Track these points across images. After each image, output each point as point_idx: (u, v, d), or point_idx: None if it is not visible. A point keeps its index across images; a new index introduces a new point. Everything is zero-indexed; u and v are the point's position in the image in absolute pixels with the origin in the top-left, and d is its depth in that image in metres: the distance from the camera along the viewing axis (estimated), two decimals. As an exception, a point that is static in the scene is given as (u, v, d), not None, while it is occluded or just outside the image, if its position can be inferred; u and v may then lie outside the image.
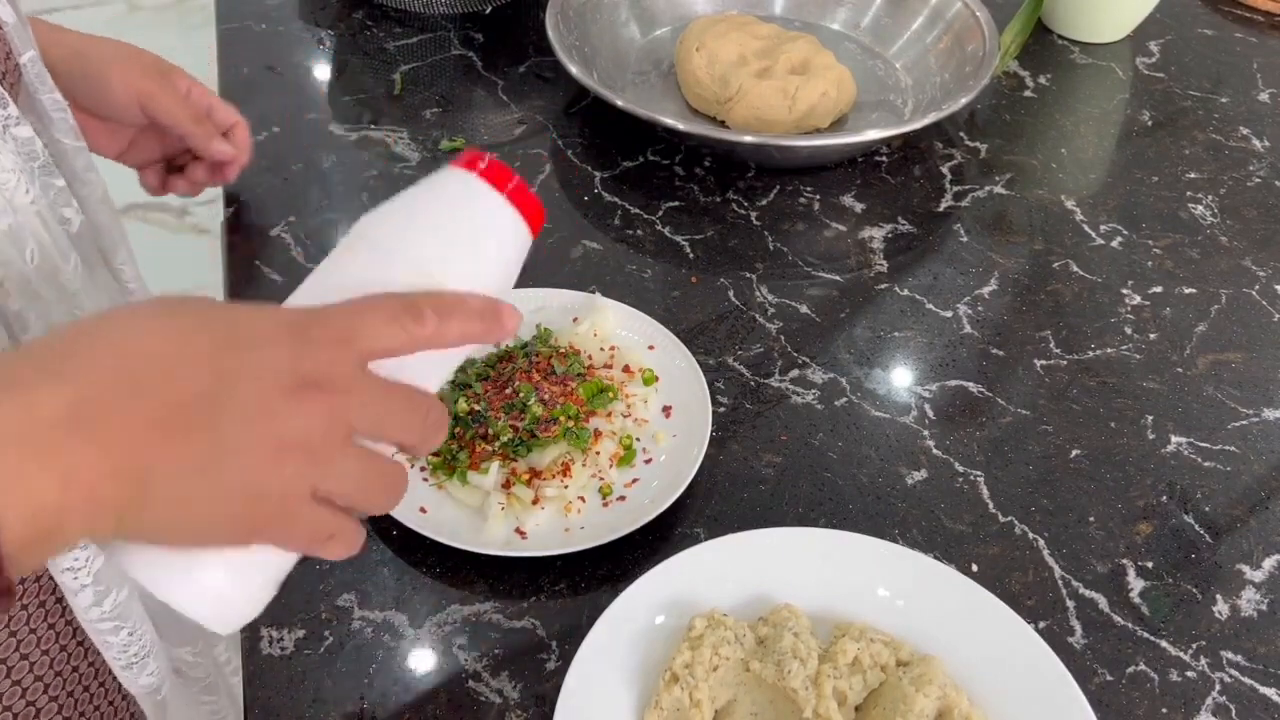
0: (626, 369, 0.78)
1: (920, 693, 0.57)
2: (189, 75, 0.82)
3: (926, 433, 0.77)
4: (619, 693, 0.60)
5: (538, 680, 0.63)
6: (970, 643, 0.62)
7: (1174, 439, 0.78)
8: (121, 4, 2.87)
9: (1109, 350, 0.84)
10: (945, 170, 1.01)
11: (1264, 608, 0.68)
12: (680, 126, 0.95)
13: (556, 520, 0.69)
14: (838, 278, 0.90)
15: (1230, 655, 0.66)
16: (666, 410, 0.76)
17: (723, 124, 1.03)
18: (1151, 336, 0.86)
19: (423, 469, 0.71)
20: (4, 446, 0.35)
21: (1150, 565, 0.70)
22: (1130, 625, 0.67)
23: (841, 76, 1.02)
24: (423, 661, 0.64)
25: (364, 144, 0.99)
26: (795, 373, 0.81)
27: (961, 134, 1.05)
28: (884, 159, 1.02)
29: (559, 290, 0.83)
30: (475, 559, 0.67)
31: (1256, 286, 0.91)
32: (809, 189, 0.98)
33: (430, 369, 0.46)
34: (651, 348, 0.79)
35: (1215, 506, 0.74)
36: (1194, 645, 0.66)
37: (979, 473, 0.75)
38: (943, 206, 0.97)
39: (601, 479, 0.71)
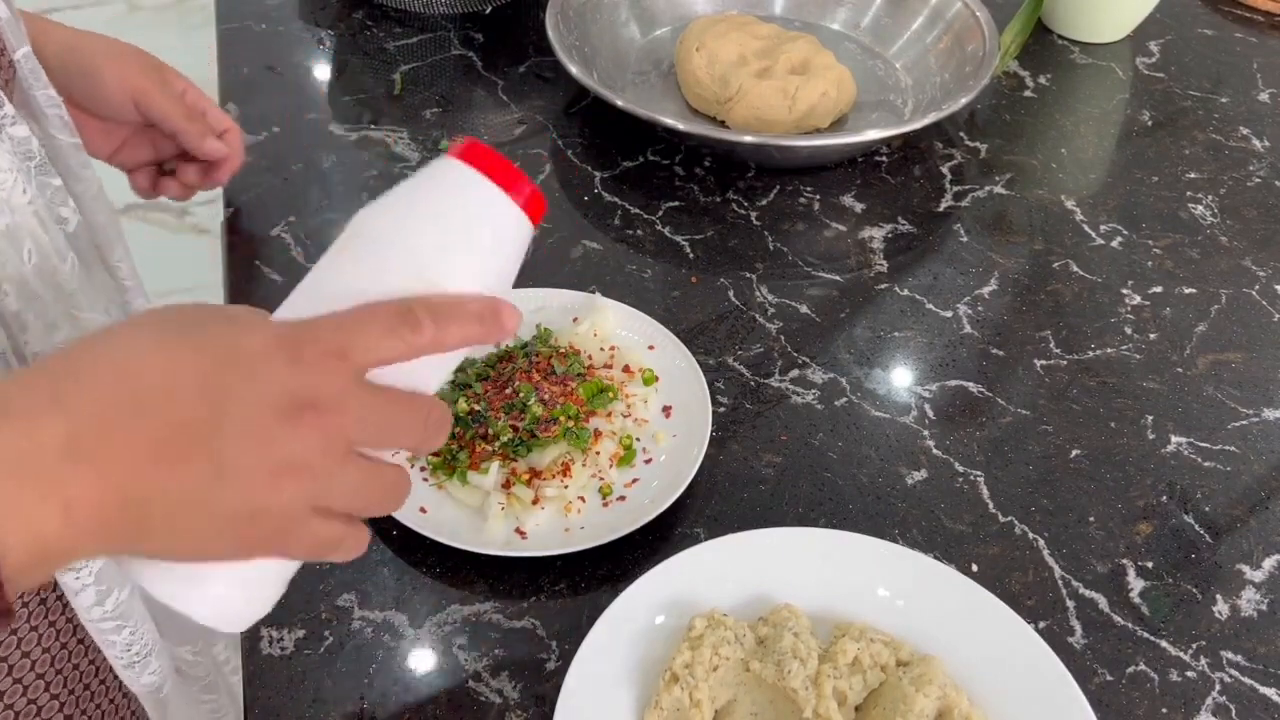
0: (626, 369, 0.78)
1: (920, 693, 0.57)
2: (185, 77, 0.82)
3: (926, 433, 0.77)
4: (619, 693, 0.60)
5: (538, 680, 0.63)
6: (970, 643, 0.62)
7: (1174, 439, 0.78)
8: (121, 4, 2.87)
9: (1109, 350, 0.84)
10: (945, 170, 1.01)
11: (1264, 608, 0.68)
12: (680, 126, 0.95)
13: (556, 520, 0.69)
14: (838, 278, 0.90)
15: (1230, 655, 0.66)
16: (666, 410, 0.76)
17: (723, 124, 1.03)
18: (1151, 336, 0.86)
19: (423, 469, 0.71)
20: (4, 476, 0.36)
21: (1150, 565, 0.70)
22: (1130, 625, 0.67)
23: (841, 76, 1.02)
24: (423, 661, 0.64)
25: (364, 144, 0.99)
26: (795, 373, 0.81)
27: (961, 134, 1.05)
28: (884, 159, 1.02)
29: (559, 290, 0.83)
30: (475, 559, 0.67)
31: (1256, 286, 0.91)
32: (809, 189, 0.98)
33: (429, 371, 0.46)
34: (651, 348, 0.79)
35: (1215, 506, 0.74)
36: (1194, 645, 0.66)
37: (979, 473, 0.75)
38: (943, 206, 0.97)
39: (601, 479, 0.71)
